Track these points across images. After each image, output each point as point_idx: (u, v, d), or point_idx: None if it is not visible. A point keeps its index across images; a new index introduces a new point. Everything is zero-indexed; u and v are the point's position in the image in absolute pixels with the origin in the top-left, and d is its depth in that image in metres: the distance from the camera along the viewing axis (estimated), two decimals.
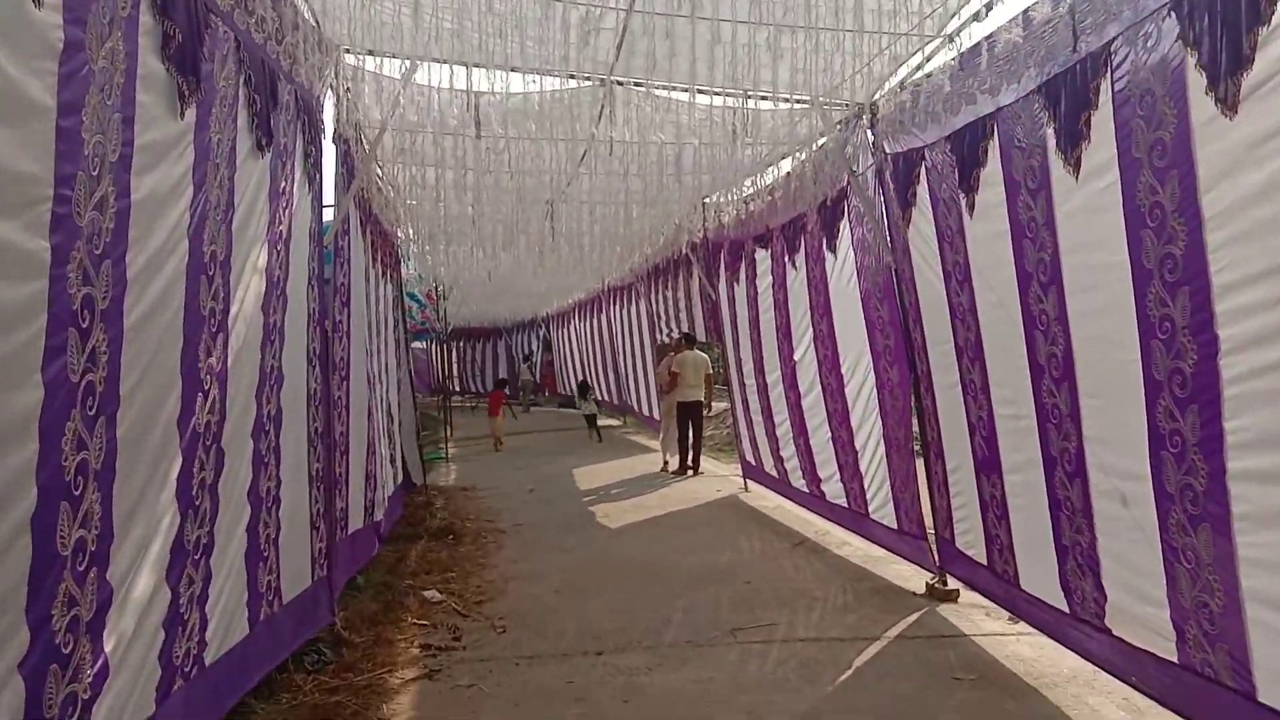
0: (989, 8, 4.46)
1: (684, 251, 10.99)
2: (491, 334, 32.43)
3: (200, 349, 3.28)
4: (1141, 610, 3.70)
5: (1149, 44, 3.26)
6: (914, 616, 5.47)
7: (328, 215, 5.54)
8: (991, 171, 4.46)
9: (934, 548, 5.91)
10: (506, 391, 19.89)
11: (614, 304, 17.84)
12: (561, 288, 19.39)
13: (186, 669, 3.22)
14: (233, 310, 3.62)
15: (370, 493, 6.83)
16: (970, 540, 5.36)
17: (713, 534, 8.13)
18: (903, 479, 6.23)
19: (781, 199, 7.57)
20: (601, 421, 17.76)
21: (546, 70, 5.42)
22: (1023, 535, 4.73)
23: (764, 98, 5.76)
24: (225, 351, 3.54)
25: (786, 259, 7.78)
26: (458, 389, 32.53)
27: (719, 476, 11.61)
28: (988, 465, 4.98)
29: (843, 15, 4.70)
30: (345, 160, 5.83)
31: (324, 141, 5.12)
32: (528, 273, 13.53)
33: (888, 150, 5.62)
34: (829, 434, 7.46)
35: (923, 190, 5.24)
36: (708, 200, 9.54)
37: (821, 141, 6.44)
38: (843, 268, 6.68)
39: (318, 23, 4.85)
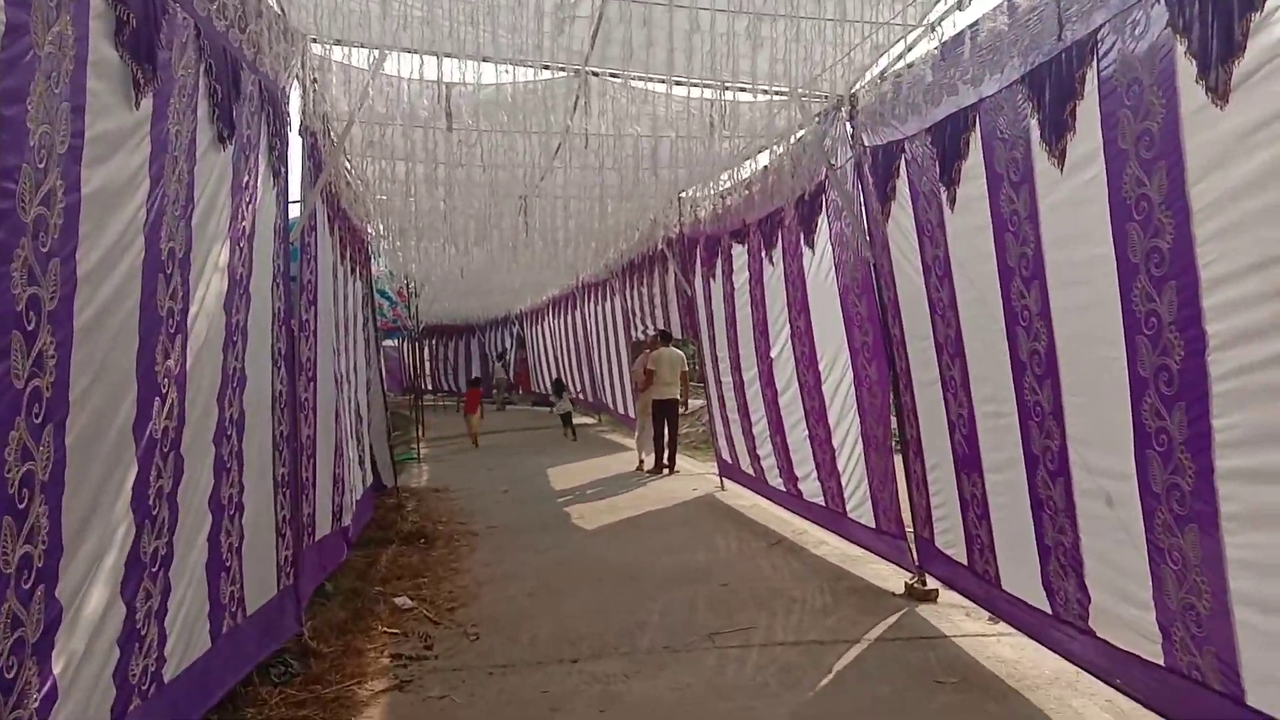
0: None
1: (659, 247, 10.90)
2: (464, 331, 32.18)
3: (157, 351, 3.13)
4: (1126, 612, 3.64)
5: (1137, 31, 3.19)
6: (893, 618, 5.40)
7: (294, 211, 5.38)
8: (973, 164, 4.39)
9: (913, 547, 5.86)
10: (481, 390, 19.73)
11: (589, 301, 17.72)
12: (535, 284, 19.25)
13: (144, 687, 3.07)
14: (192, 310, 3.47)
15: (338, 497, 6.67)
16: (950, 540, 5.30)
17: (689, 534, 8.04)
18: (881, 477, 6.17)
19: (759, 193, 7.48)
20: (577, 420, 17.63)
21: (520, 60, 5.28)
22: (1004, 535, 4.67)
23: (742, 89, 5.67)
24: (184, 353, 3.38)
25: (763, 254, 7.70)
26: (430, 387, 32.28)
27: (695, 475, 11.53)
28: (968, 463, 4.92)
29: (824, 2, 4.61)
30: (312, 154, 5.65)
31: (290, 134, 4.96)
32: (501, 269, 13.39)
33: (866, 143, 5.54)
34: (806, 432, 7.39)
35: (902, 184, 5.17)
36: (684, 195, 9.44)
37: (800, 134, 6.36)
38: (820, 263, 6.61)
39: (283, 10, 4.69)
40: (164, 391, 3.18)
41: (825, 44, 4.85)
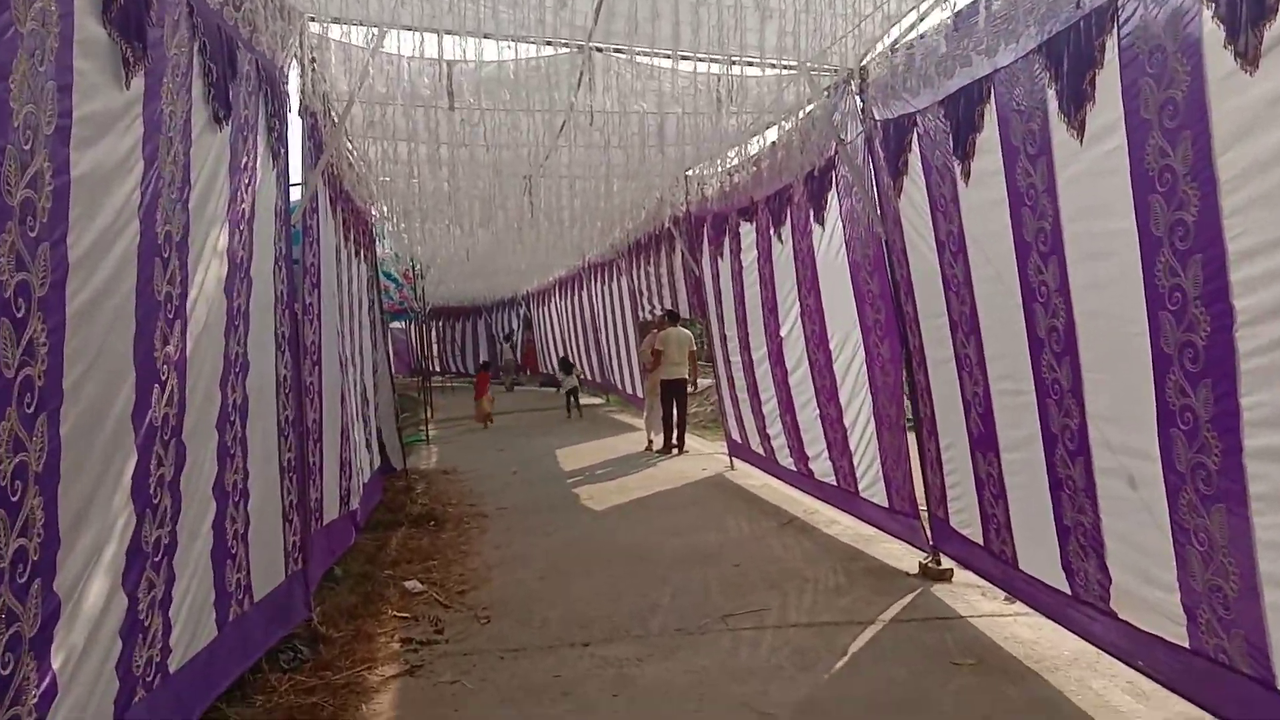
0: None
1: (666, 226, 10.78)
2: (471, 313, 32.15)
3: (156, 336, 3.06)
4: (1149, 593, 3.56)
5: None
6: (908, 598, 5.34)
7: (295, 194, 5.29)
8: (988, 137, 4.27)
9: (927, 526, 5.78)
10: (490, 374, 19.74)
11: (595, 281, 17.62)
12: (542, 265, 19.14)
13: (149, 678, 3.03)
14: (191, 294, 3.40)
15: (345, 480, 6.62)
16: (965, 519, 5.22)
17: (699, 514, 7.98)
18: (894, 456, 6.09)
19: (767, 170, 7.36)
20: (585, 400, 17.61)
21: (522, 36, 5.18)
22: (1021, 515, 4.59)
23: (750, 64, 5.54)
24: (184, 339, 3.32)
25: (772, 232, 7.58)
26: (438, 369, 32.29)
27: (704, 455, 11.47)
28: (984, 442, 4.84)
29: None
30: (312, 134, 5.56)
31: (289, 115, 4.87)
32: (507, 250, 13.29)
33: (877, 117, 5.42)
34: (817, 411, 7.30)
35: (914, 158, 5.05)
36: (690, 173, 9.31)
37: (809, 109, 6.23)
38: (830, 240, 6.50)
39: None
40: (163, 378, 3.12)
41: (835, 15, 4.72)
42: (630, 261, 14.42)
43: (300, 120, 5.34)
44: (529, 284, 24.77)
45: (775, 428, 8.43)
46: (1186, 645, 3.37)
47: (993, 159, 4.25)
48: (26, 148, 2.25)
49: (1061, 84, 3.67)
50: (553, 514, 8.28)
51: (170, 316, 3.17)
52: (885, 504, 6.31)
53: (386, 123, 6.35)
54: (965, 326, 4.81)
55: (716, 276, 9.53)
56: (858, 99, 5.63)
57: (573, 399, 17.13)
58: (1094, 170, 3.55)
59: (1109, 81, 3.40)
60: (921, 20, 4.79)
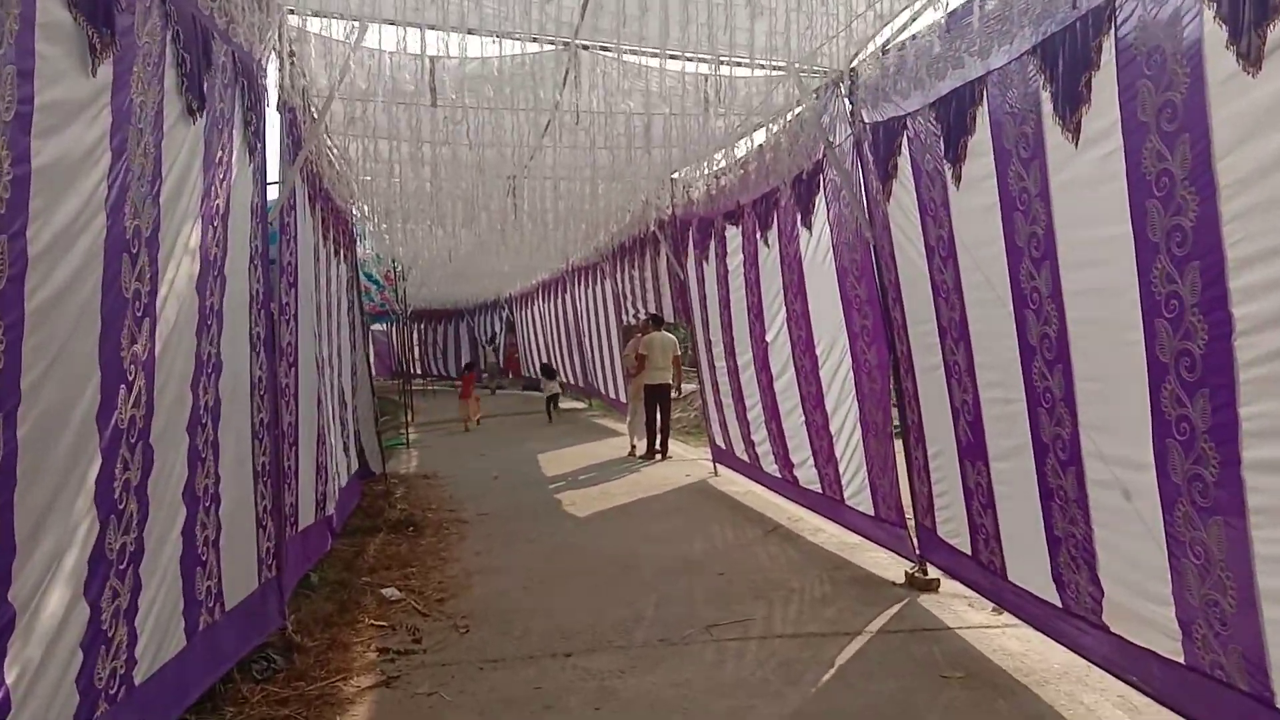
0: None
1: (651, 229, 10.69)
2: (453, 315, 31.93)
3: (123, 335, 2.94)
4: (1143, 607, 3.49)
5: None
6: (895, 608, 5.26)
7: (273, 191, 5.16)
8: (980, 140, 4.20)
9: (914, 536, 5.71)
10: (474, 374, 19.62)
11: (579, 284, 17.50)
12: (525, 267, 19.01)
13: (112, 691, 2.90)
14: (161, 292, 3.27)
15: (322, 485, 6.48)
16: (953, 529, 5.15)
17: (683, 521, 7.89)
18: (880, 464, 6.01)
19: (754, 173, 7.29)
20: (566, 405, 17.53)
21: (507, 32, 5.07)
22: (1010, 525, 4.52)
23: (738, 64, 5.46)
24: (153, 338, 3.19)
25: (758, 236, 7.51)
26: (419, 372, 32.07)
27: (688, 461, 11.38)
28: (972, 451, 4.77)
29: None
30: (291, 130, 5.43)
31: (266, 109, 4.74)
32: (490, 252, 13.16)
33: (866, 120, 5.35)
34: (802, 417, 7.23)
35: (904, 161, 4.98)
36: (676, 175, 9.23)
37: (797, 111, 6.16)
38: (818, 245, 6.43)
39: None
40: (130, 378, 2.99)
41: (827, 14, 4.64)
42: (615, 265, 14.33)
43: (278, 115, 5.22)
44: (512, 287, 24.61)
45: (760, 434, 8.35)
46: (1182, 660, 3.30)
47: (985, 163, 4.18)
48: None
49: (1056, 86, 3.61)
50: (535, 520, 8.16)
51: (139, 315, 3.05)
52: (871, 512, 6.24)
53: (367, 119, 6.24)
54: (954, 333, 4.75)
55: (702, 281, 9.45)
56: (847, 101, 5.56)
57: (552, 405, 17.11)
58: (1089, 174, 3.49)
59: (1105, 83, 3.33)
60: (914, 20, 4.72)
